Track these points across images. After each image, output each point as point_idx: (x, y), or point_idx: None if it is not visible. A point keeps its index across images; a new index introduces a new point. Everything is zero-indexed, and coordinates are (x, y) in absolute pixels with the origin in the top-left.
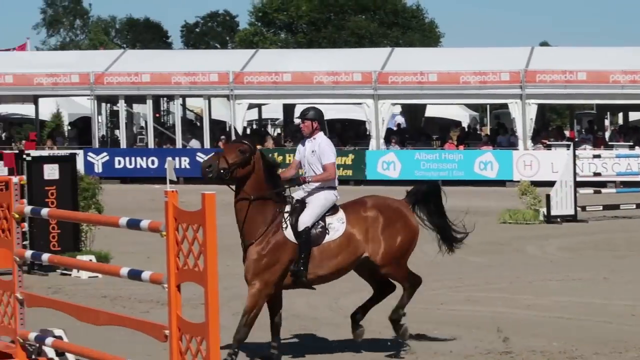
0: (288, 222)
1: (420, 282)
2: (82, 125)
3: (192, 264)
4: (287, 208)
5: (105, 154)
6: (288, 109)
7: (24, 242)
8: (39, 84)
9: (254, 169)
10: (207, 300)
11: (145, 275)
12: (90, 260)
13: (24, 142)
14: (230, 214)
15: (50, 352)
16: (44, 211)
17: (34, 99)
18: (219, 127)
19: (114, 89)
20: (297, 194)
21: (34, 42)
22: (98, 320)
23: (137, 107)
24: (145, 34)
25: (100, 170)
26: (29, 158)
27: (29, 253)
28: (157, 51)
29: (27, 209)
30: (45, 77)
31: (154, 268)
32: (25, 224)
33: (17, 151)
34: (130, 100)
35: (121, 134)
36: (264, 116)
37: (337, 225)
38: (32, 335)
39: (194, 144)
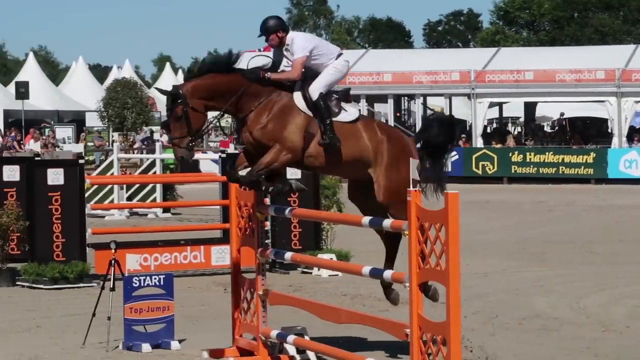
0: (299, 94)
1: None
2: None
3: (434, 262)
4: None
5: None
6: (529, 108)
7: (266, 241)
8: None
9: (198, 107)
10: (449, 300)
11: (387, 274)
12: (331, 258)
13: None
14: (467, 212)
15: (291, 349)
16: (288, 210)
17: None
18: (459, 126)
19: (356, 89)
20: None
21: None
22: (340, 318)
23: (378, 107)
24: (388, 34)
25: None
26: None
27: (272, 252)
28: (398, 50)
29: (271, 208)
30: None
31: (394, 267)
32: (268, 223)
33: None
34: (372, 99)
35: None
36: (504, 114)
37: (352, 110)
38: (274, 333)
39: None
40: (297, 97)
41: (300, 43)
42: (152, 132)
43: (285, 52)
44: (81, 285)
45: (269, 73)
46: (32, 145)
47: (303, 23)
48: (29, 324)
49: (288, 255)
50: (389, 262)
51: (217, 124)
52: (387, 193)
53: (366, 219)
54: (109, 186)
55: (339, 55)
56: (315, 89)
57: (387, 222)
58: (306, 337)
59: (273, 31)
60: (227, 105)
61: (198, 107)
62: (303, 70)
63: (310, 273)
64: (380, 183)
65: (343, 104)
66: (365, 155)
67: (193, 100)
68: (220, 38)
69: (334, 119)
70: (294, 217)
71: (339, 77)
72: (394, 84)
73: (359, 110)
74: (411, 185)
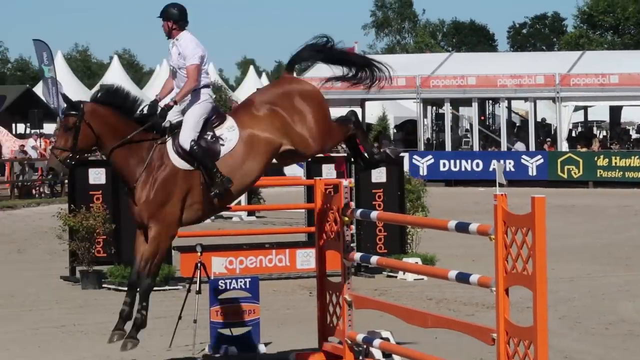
0: (172, 150)
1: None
2: (408, 128)
3: (521, 267)
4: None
5: (430, 156)
6: (614, 111)
7: (352, 244)
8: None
9: (94, 128)
10: (536, 304)
11: (474, 278)
12: (416, 262)
13: None
14: (552, 216)
15: (377, 353)
16: (374, 214)
17: (361, 102)
18: (544, 129)
19: (440, 92)
20: (171, 114)
21: (362, 45)
22: (426, 322)
23: (462, 110)
24: (471, 37)
25: (425, 173)
26: None
27: (357, 255)
28: (482, 54)
29: (357, 212)
30: None
31: (479, 271)
32: (353, 227)
33: (346, 154)
34: (456, 103)
35: (446, 136)
36: (589, 118)
37: (228, 134)
38: (359, 337)
39: (519, 146)
40: (172, 154)
41: (191, 46)
42: None
43: (171, 46)
44: (167, 288)
45: (170, 100)
46: None
47: (387, 26)
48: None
49: (374, 259)
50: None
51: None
52: (319, 138)
53: (452, 223)
54: None
55: (206, 85)
56: (186, 139)
57: (473, 226)
58: (392, 341)
59: (166, 18)
60: (110, 150)
61: (92, 127)
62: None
63: (396, 277)
64: (304, 139)
65: (221, 132)
66: (274, 146)
67: (90, 119)
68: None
69: (222, 155)
70: (379, 220)
71: (206, 111)
72: (478, 88)
73: (234, 121)
74: (497, 189)
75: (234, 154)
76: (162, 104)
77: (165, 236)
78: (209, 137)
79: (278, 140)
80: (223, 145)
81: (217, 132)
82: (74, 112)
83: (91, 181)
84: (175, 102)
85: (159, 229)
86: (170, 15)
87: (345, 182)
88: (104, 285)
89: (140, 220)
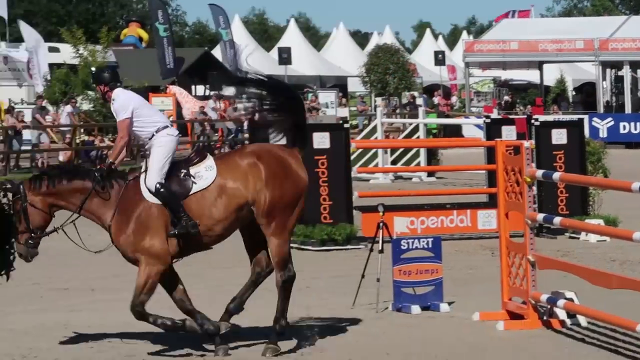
0: (144, 186)
1: (294, 279)
2: (587, 90)
3: None
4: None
5: (610, 119)
6: None
7: (534, 206)
8: (543, 50)
9: (39, 206)
10: None
11: None
12: (599, 224)
13: (528, 107)
14: None
15: (561, 313)
16: (556, 175)
17: (539, 65)
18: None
19: (619, 55)
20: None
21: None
22: (610, 284)
23: None
24: None
25: (605, 135)
26: (537, 123)
27: (540, 216)
28: None
29: (539, 172)
30: (550, 44)
31: None
32: (535, 188)
33: (526, 116)
34: (636, 65)
35: (626, 99)
36: None
37: (206, 173)
38: (543, 297)
39: None
40: (144, 190)
41: (120, 103)
42: (414, 97)
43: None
44: (349, 247)
45: (109, 160)
46: None
47: None
48: (299, 284)
49: (557, 220)
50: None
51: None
52: (269, 208)
53: (636, 185)
54: (373, 150)
55: (163, 127)
56: (151, 182)
57: None
58: (576, 302)
59: (99, 83)
60: (79, 208)
61: (39, 205)
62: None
63: (578, 238)
64: (260, 201)
65: (197, 170)
66: (242, 200)
67: (33, 198)
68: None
69: (193, 191)
70: (561, 182)
71: (169, 152)
72: None
73: (213, 164)
74: None
75: (208, 192)
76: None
77: (155, 269)
78: (181, 175)
79: (243, 195)
80: (195, 183)
81: (193, 170)
82: (17, 197)
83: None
84: (113, 163)
85: (146, 260)
86: (102, 79)
87: (526, 143)
88: None
89: (126, 256)
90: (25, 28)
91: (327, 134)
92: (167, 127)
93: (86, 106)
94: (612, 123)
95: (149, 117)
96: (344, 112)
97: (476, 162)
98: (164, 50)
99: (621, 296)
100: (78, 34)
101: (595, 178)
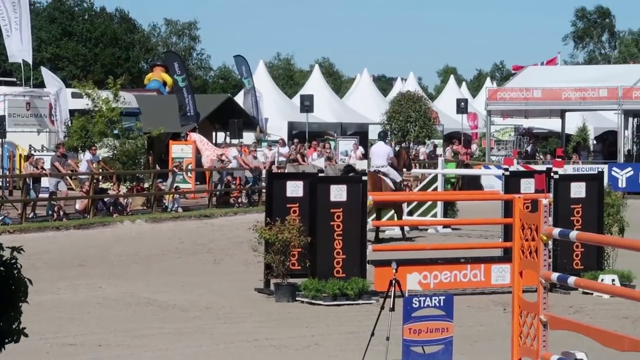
0: None
1: None
2: (610, 140)
3: None
4: None
5: (629, 168)
6: None
7: (549, 261)
8: (566, 98)
9: None
10: None
11: None
12: (613, 280)
13: (548, 156)
14: None
15: None
16: (572, 234)
17: (561, 113)
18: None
19: None
20: None
21: (563, 55)
22: (622, 346)
23: None
24: None
25: (624, 185)
26: (556, 176)
27: (554, 276)
28: None
29: (555, 231)
30: (573, 92)
31: None
32: (550, 242)
33: (545, 170)
34: None
35: None
36: None
37: None
38: (554, 358)
39: None
40: None
41: None
42: (435, 145)
43: None
44: (360, 302)
45: None
46: (316, 160)
47: (587, 37)
48: (308, 341)
49: (571, 280)
50: None
51: None
52: None
53: None
54: None
55: None
56: None
57: None
58: None
59: None
60: None
61: None
62: None
63: (592, 294)
64: None
65: None
66: None
67: None
68: (506, 50)
69: None
70: (577, 240)
71: None
72: None
73: None
74: None
75: None
76: None
77: None
78: None
79: None
80: None
81: None
82: None
83: (288, 194)
84: None
85: None
86: None
87: (545, 201)
88: (297, 299)
89: None
90: (46, 74)
91: (344, 187)
92: None
93: (105, 153)
94: (632, 173)
95: None
96: (362, 164)
97: (493, 212)
98: (183, 99)
99: (633, 356)
100: (89, 86)
101: (611, 238)
